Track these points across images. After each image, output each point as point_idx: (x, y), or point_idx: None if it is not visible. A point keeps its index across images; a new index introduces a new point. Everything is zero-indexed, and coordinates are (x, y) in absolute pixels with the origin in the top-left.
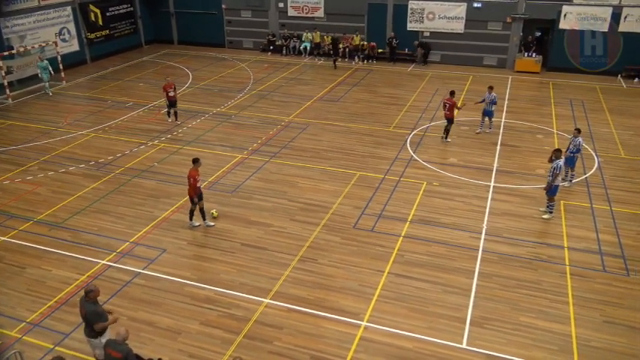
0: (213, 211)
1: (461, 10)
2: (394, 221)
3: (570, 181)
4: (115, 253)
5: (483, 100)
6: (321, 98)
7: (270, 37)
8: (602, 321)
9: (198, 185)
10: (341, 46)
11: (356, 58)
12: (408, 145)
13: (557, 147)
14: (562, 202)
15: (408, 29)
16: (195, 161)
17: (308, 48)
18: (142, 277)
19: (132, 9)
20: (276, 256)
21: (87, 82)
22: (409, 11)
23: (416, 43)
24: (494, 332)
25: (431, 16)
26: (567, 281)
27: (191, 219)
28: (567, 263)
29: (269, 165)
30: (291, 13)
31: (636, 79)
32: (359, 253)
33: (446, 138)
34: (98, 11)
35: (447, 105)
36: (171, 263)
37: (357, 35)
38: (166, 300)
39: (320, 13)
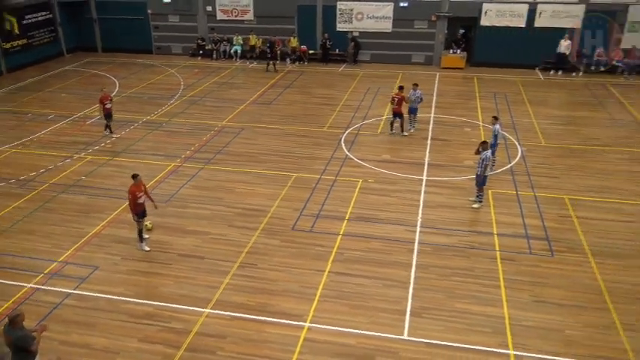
0: (148, 222)
1: (388, 9)
2: (332, 220)
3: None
4: (42, 275)
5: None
6: (255, 101)
7: (199, 41)
8: (532, 300)
9: (139, 202)
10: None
11: (288, 60)
12: (343, 144)
13: (483, 139)
14: (490, 190)
15: (338, 29)
16: (135, 177)
17: (239, 52)
18: (73, 297)
19: (51, 16)
20: (215, 264)
21: (4, 95)
22: (338, 12)
23: (350, 36)
24: (433, 321)
25: (360, 16)
26: (498, 266)
27: (141, 240)
28: (497, 249)
29: (204, 172)
30: (220, 16)
31: (552, 71)
32: (299, 255)
33: (402, 132)
34: (14, 20)
35: (396, 99)
36: (104, 280)
37: (294, 37)
38: (101, 319)
39: (250, 16)
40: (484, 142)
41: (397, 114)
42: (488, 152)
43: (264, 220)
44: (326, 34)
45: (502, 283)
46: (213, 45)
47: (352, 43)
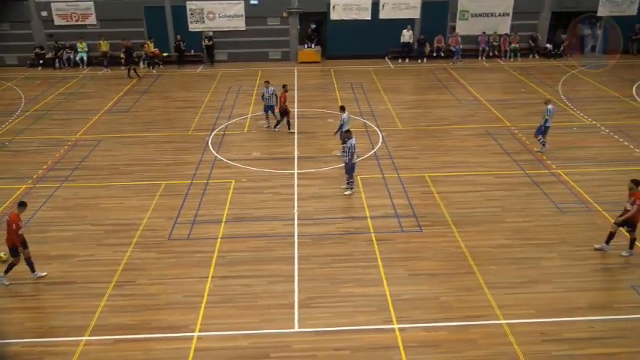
0: (2, 253)
1: (239, 7)
2: (209, 225)
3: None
4: None
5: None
6: (110, 110)
7: (37, 50)
8: (407, 275)
9: (20, 232)
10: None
11: (141, 64)
12: (210, 146)
13: (347, 128)
14: (359, 177)
15: (190, 30)
16: (21, 205)
17: (85, 59)
18: None
19: None
20: (88, 287)
21: None
22: (189, 12)
23: (206, 36)
24: (321, 309)
25: (211, 15)
26: (374, 247)
27: (7, 272)
28: (372, 231)
29: (62, 191)
30: (58, 21)
31: (399, 60)
32: (179, 265)
33: (289, 129)
34: None
35: (281, 99)
36: None
37: (151, 41)
38: None
39: (92, 20)
40: (347, 131)
41: (281, 112)
42: (353, 140)
43: (136, 233)
44: (178, 36)
45: (380, 263)
46: (55, 53)
47: (206, 39)
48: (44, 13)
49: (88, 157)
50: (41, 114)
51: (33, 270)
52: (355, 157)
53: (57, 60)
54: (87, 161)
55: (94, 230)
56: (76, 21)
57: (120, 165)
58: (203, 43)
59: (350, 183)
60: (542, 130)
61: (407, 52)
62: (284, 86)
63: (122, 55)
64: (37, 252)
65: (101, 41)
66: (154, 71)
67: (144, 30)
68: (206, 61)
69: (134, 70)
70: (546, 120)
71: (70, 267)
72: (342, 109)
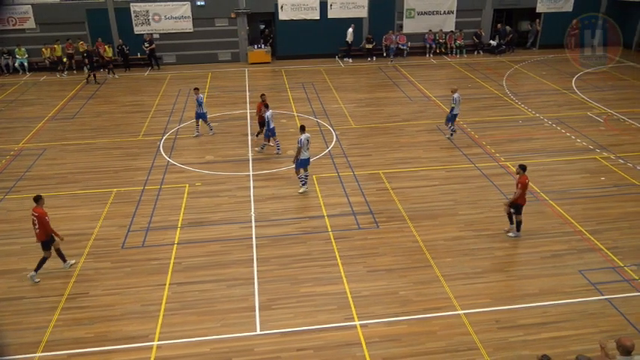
0: None
1: (185, 9)
2: (164, 231)
3: (278, 149)
4: None
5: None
6: (54, 117)
7: None
8: (366, 271)
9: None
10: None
11: (85, 69)
12: (162, 150)
13: (300, 124)
14: (314, 176)
15: (136, 33)
16: (39, 198)
17: (25, 64)
18: None
19: None
20: (38, 302)
21: None
22: (133, 14)
23: (145, 40)
24: (282, 310)
25: (157, 17)
26: (333, 245)
27: (37, 269)
28: (329, 229)
29: (5, 203)
30: None
31: (345, 58)
32: (134, 273)
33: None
34: None
35: (258, 109)
36: None
37: (109, 46)
38: None
39: (31, 24)
40: (301, 127)
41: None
42: (302, 136)
43: (88, 243)
44: (120, 40)
45: (339, 261)
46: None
47: (147, 44)
48: None
49: (33, 166)
50: None
51: (64, 260)
52: (304, 153)
53: None
54: (32, 171)
55: None
56: (14, 25)
57: (67, 173)
58: (143, 47)
59: (302, 179)
60: (450, 118)
61: (350, 51)
62: (262, 96)
63: (86, 61)
64: None
65: (55, 45)
66: (116, 76)
67: (86, 33)
68: (153, 64)
69: (93, 75)
70: (453, 108)
71: (17, 282)
72: (266, 107)
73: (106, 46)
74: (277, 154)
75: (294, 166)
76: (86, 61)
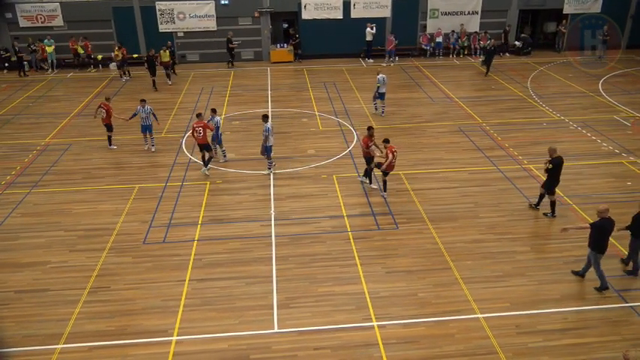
0: None
1: (210, 7)
2: (185, 227)
3: (224, 156)
4: None
5: None
6: (80, 113)
7: (2, 52)
8: (385, 272)
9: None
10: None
11: (110, 66)
12: (184, 148)
13: (263, 114)
14: (334, 176)
15: (161, 31)
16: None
17: (54, 61)
18: None
19: None
20: (61, 294)
21: None
22: (158, 12)
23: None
24: (300, 309)
25: (181, 16)
26: (352, 245)
27: (206, 165)
28: (349, 229)
29: (32, 196)
30: (23, 23)
31: (367, 59)
32: (155, 269)
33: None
34: None
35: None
36: None
37: (164, 50)
38: None
39: (59, 21)
40: (264, 116)
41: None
42: (267, 124)
43: (110, 238)
44: (152, 50)
45: (358, 261)
46: (33, 54)
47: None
48: (9, 15)
49: (59, 161)
50: (8, 119)
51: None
52: (271, 140)
53: (30, 63)
54: (57, 166)
55: (67, 236)
56: (42, 22)
57: (91, 169)
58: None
59: (269, 164)
60: (377, 96)
61: (370, 51)
62: (369, 129)
63: (146, 66)
64: (6, 260)
65: (116, 49)
66: (170, 82)
67: (112, 31)
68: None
69: (153, 81)
70: (378, 87)
71: (42, 274)
72: (214, 111)
73: (161, 52)
74: (225, 161)
75: (260, 152)
76: (146, 65)
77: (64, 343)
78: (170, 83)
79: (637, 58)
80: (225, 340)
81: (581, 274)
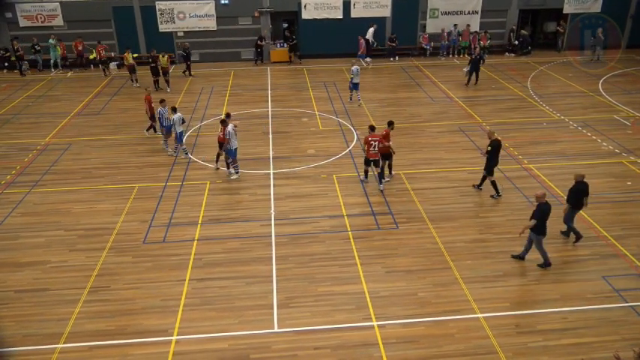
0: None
1: (210, 7)
2: (185, 227)
3: (186, 153)
4: None
5: None
6: (80, 113)
7: (2, 52)
8: (385, 272)
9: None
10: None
11: (110, 65)
12: (184, 147)
13: (226, 113)
14: (334, 175)
15: (161, 31)
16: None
17: (59, 61)
18: None
19: None
20: (61, 294)
21: None
22: (158, 12)
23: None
24: (300, 309)
25: (181, 15)
26: (352, 245)
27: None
28: (349, 229)
29: (32, 196)
30: (23, 23)
31: (367, 58)
32: (155, 268)
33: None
34: None
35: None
36: None
37: (163, 56)
38: None
39: (59, 21)
40: (227, 115)
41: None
42: (229, 126)
43: (110, 238)
44: (154, 49)
45: (357, 261)
46: (37, 55)
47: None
48: (9, 15)
49: (58, 161)
50: (8, 118)
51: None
52: (233, 142)
53: (35, 63)
54: (57, 165)
55: (67, 235)
56: (42, 22)
57: (91, 168)
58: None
59: (235, 167)
60: (351, 87)
61: (370, 51)
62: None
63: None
64: (6, 259)
65: (126, 54)
66: (168, 89)
67: (112, 31)
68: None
69: (157, 82)
70: (352, 78)
71: (42, 274)
72: (174, 110)
73: (159, 56)
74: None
75: (225, 154)
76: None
77: (64, 343)
78: (169, 90)
79: (637, 57)
80: (225, 339)
81: (521, 257)
